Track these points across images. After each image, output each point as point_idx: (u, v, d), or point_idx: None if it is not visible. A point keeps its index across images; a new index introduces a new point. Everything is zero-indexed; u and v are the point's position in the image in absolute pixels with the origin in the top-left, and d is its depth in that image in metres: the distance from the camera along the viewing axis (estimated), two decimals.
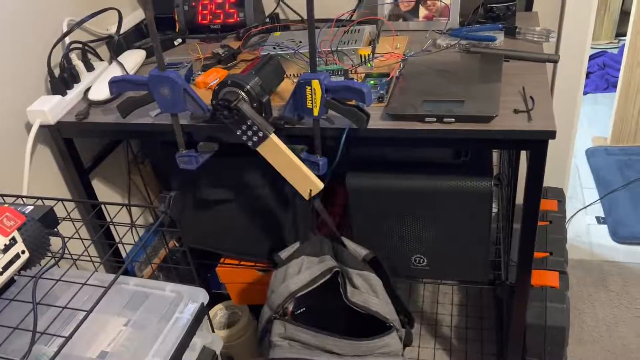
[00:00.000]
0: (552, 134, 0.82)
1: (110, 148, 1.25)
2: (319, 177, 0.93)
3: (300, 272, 0.95)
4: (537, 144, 0.84)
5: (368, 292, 0.94)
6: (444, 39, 1.10)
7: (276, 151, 0.89)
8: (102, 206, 1.14)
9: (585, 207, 1.88)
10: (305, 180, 0.91)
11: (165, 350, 0.74)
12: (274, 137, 0.88)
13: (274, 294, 0.95)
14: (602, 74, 2.59)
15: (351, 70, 1.03)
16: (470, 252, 1.05)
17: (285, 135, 0.91)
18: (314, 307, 1.00)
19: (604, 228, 1.79)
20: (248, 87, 0.88)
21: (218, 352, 0.85)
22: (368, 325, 0.93)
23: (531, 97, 0.89)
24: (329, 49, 1.07)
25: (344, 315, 0.94)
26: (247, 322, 1.37)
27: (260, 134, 0.87)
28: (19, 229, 0.68)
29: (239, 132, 0.88)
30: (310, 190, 0.91)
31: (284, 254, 1.00)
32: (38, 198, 0.83)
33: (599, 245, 1.73)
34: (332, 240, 1.00)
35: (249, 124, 0.86)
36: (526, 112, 0.86)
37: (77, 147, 1.11)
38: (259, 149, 0.89)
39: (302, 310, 1.00)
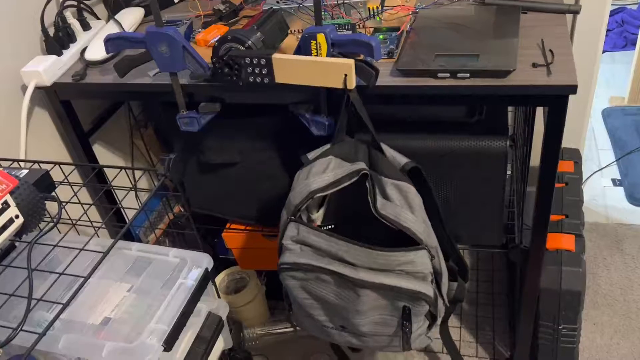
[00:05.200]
0: (573, 89, 0.78)
1: (110, 111, 1.22)
2: (326, 138, 0.89)
3: (325, 172, 0.83)
4: (556, 100, 0.80)
5: (402, 206, 0.80)
6: None
7: (291, 66, 0.81)
8: (103, 170, 1.11)
9: (601, 169, 1.83)
10: (334, 68, 0.80)
11: (169, 316, 0.72)
12: (276, 55, 0.81)
13: (293, 192, 0.84)
14: (620, 31, 2.49)
15: (359, 24, 0.98)
16: (484, 215, 1.01)
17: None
18: (344, 226, 0.90)
19: (620, 190, 1.75)
20: (249, 42, 0.83)
21: (224, 318, 0.83)
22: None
23: (550, 50, 0.85)
24: (335, 2, 1.02)
25: (378, 237, 0.82)
26: (254, 287, 1.36)
27: (263, 61, 0.81)
28: (11, 193, 0.65)
29: (250, 79, 0.83)
30: (346, 76, 0.79)
31: (311, 154, 0.89)
32: (33, 162, 0.81)
33: (615, 208, 1.69)
34: (369, 146, 0.88)
35: (248, 62, 0.80)
36: (545, 66, 0.81)
37: (76, 110, 1.07)
38: (278, 80, 0.82)
39: (330, 227, 0.91)
